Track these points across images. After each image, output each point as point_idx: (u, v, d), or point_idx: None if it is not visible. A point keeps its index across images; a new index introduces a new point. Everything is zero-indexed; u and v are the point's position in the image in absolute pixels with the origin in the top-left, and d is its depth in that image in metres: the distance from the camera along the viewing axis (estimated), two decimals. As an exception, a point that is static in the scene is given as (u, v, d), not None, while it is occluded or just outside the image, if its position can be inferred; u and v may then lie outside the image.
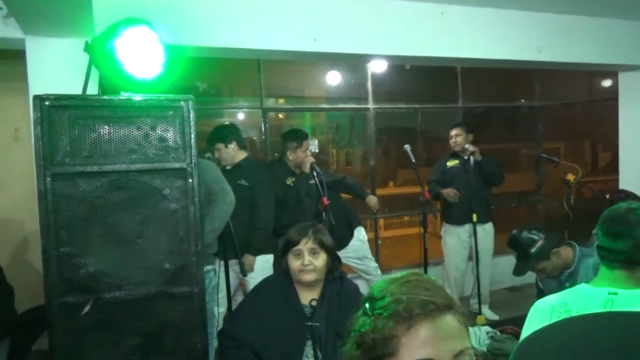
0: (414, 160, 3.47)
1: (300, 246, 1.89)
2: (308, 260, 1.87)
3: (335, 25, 2.96)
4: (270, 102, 4.61)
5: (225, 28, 2.69)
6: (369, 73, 4.61)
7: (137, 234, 1.87)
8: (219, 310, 2.87)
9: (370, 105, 4.65)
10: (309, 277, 1.89)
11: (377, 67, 4.50)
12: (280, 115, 5.82)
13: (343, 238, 3.62)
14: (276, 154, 4.10)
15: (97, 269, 1.83)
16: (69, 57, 2.33)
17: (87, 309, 1.85)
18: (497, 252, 4.26)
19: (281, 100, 5.38)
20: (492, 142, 5.73)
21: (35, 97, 1.76)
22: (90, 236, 1.82)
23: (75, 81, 2.28)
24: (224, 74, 4.47)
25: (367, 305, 0.90)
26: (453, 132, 4.03)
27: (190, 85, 3.72)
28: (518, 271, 2.44)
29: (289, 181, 3.37)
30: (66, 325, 1.80)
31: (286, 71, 4.91)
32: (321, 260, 1.91)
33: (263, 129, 4.35)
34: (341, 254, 3.60)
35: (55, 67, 2.34)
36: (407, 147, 3.52)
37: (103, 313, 1.85)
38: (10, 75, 3.39)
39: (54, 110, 1.78)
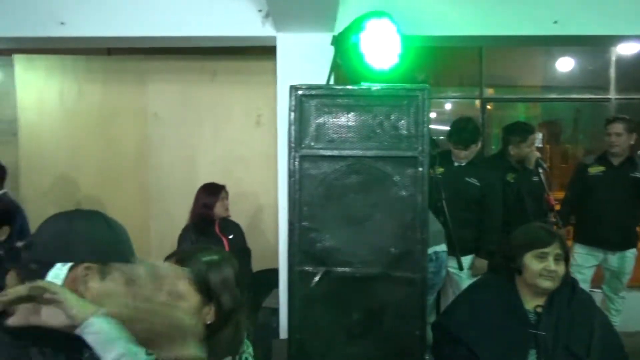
0: None
1: (548, 249, 1.76)
2: (554, 267, 1.73)
3: (578, 5, 2.63)
4: (489, 92, 4.38)
5: (454, 16, 2.63)
6: (613, 58, 3.98)
7: (367, 216, 1.99)
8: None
9: (612, 95, 4.02)
10: (549, 284, 1.75)
11: (626, 50, 3.85)
12: (488, 106, 5.52)
13: (624, 239, 3.29)
14: (492, 147, 3.89)
15: (331, 245, 2.01)
16: (312, 50, 2.59)
17: (316, 279, 2.05)
18: None
19: (490, 90, 5.09)
20: None
21: (291, 87, 1.99)
22: (327, 214, 2.00)
23: (316, 72, 2.53)
24: (441, 63, 4.40)
25: None
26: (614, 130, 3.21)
27: (409, 75, 3.77)
28: None
29: (509, 177, 3.17)
30: (302, 291, 2.02)
31: (508, 59, 4.59)
32: (562, 268, 1.76)
33: (481, 119, 4.15)
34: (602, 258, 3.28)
35: (300, 60, 2.62)
36: None
37: (333, 285, 2.02)
38: (257, 69, 3.94)
39: (304, 99, 1.99)
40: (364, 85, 2.00)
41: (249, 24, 2.73)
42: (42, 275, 0.90)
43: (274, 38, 2.69)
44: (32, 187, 3.92)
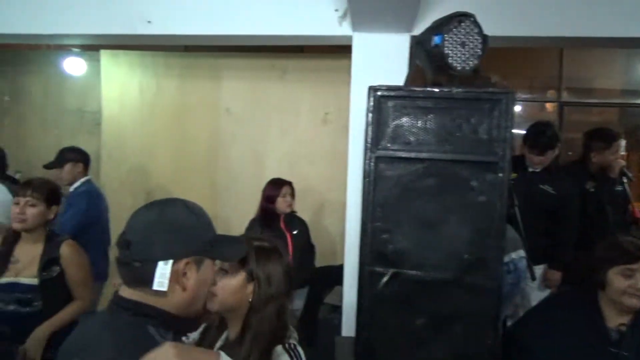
0: None
1: (636, 266, 1.66)
2: None
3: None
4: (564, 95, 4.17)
5: (539, 15, 2.52)
6: None
7: (441, 220, 1.96)
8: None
9: None
10: (635, 302, 1.66)
11: None
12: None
13: None
14: (569, 153, 3.71)
15: (402, 247, 2.00)
16: (388, 51, 2.58)
17: (384, 280, 2.05)
18: None
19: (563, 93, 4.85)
20: None
21: (370, 87, 1.99)
22: (400, 216, 1.99)
23: (391, 73, 2.52)
24: (510, 64, 4.25)
25: None
26: None
27: (484, 77, 3.66)
28: None
29: (589, 186, 3.01)
30: (372, 291, 2.02)
31: (585, 61, 4.36)
32: None
33: (558, 124, 3.96)
34: None
35: (375, 60, 2.61)
36: None
37: (402, 288, 2.01)
38: (326, 68, 3.98)
39: (383, 100, 1.99)
40: (445, 87, 1.96)
41: (325, 24, 2.75)
42: (147, 272, 0.98)
43: (349, 37, 2.69)
44: (110, 175, 4.18)
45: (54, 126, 4.55)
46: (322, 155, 3.98)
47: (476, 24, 2.00)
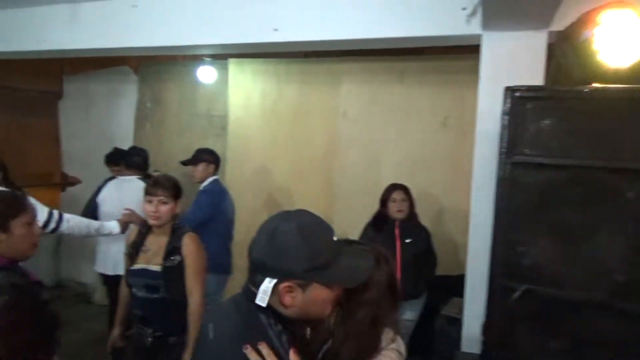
0: None
1: None
2: None
3: None
4: None
5: None
6: None
7: (587, 234, 1.76)
8: None
9: None
10: None
11: None
12: None
13: None
14: None
15: (539, 261, 1.83)
16: (521, 49, 2.38)
17: (516, 295, 1.89)
18: None
19: None
20: None
21: (507, 88, 1.85)
22: (538, 227, 1.83)
23: (525, 72, 2.32)
24: None
25: None
26: None
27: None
28: None
29: None
30: (502, 307, 1.88)
31: None
32: None
33: None
34: None
35: (507, 59, 2.41)
36: None
37: (537, 306, 1.84)
38: (446, 69, 3.83)
39: (521, 101, 1.84)
40: (596, 86, 1.76)
41: (451, 23, 2.62)
42: (259, 282, 1.06)
43: (478, 37, 2.54)
44: (235, 176, 4.45)
45: (187, 130, 4.95)
46: (441, 160, 3.83)
47: (633, 15, 1.77)
